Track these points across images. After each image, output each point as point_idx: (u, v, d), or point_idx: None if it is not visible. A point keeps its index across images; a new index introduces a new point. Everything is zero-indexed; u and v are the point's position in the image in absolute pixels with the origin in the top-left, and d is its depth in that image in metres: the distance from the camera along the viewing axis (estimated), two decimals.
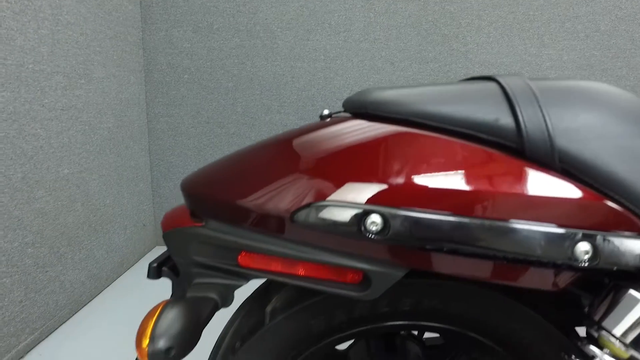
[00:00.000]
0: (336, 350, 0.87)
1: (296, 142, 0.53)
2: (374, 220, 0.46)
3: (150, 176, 2.45)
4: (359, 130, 0.52)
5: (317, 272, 0.53)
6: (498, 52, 2.25)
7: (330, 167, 0.49)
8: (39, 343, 1.55)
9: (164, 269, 0.61)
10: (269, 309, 0.62)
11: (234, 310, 0.70)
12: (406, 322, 0.60)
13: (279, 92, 2.33)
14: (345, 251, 0.50)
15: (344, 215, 0.47)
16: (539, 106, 0.47)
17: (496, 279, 0.48)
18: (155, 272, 0.60)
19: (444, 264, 0.48)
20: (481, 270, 0.47)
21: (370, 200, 0.46)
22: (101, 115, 1.91)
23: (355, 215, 0.46)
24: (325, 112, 0.60)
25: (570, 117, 0.47)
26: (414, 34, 2.25)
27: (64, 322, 1.70)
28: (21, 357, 1.46)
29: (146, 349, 0.42)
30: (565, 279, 0.48)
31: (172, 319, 0.45)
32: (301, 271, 0.53)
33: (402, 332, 0.87)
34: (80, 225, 1.79)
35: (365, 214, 0.46)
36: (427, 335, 0.89)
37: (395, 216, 0.45)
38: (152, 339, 0.43)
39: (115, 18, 2.02)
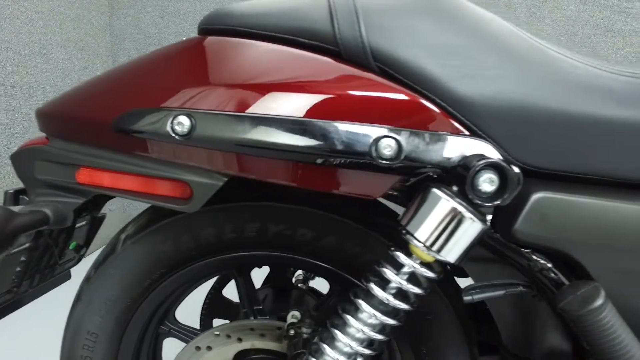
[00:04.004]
0: (231, 301, 0.86)
1: (130, 62, 0.54)
2: (181, 121, 0.45)
3: None
4: (184, 44, 0.52)
5: (146, 186, 0.52)
6: None
7: (146, 77, 0.50)
8: None
9: (22, 196, 0.60)
10: (122, 235, 0.62)
11: None
12: (256, 252, 0.59)
13: None
14: (168, 161, 0.50)
15: (155, 119, 0.47)
16: (355, 8, 0.47)
17: (314, 185, 0.47)
18: (11, 198, 0.60)
19: (257, 169, 0.47)
20: (297, 175, 0.47)
21: (179, 104, 0.47)
22: None
23: (164, 118, 0.46)
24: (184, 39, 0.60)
25: (384, 18, 0.46)
26: None
27: None
28: None
29: None
30: (384, 184, 0.47)
31: None
32: (130, 185, 0.52)
33: (300, 285, 0.86)
34: None
35: (174, 116, 0.46)
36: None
37: (200, 116, 0.45)
38: None
39: (77, 1, 2.03)
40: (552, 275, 0.48)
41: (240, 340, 0.59)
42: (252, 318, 0.65)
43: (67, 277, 0.72)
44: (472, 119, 0.45)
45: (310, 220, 0.57)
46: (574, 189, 0.46)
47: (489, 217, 0.49)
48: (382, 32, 0.46)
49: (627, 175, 0.47)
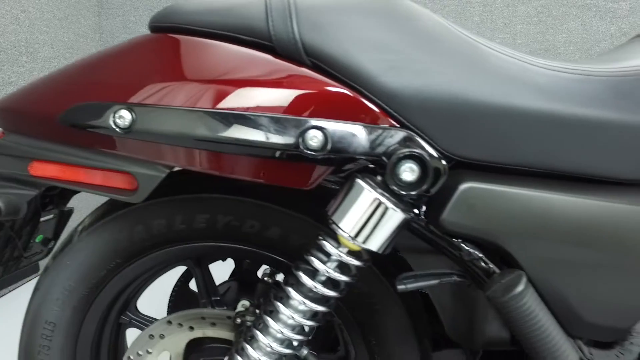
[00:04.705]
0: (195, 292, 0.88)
1: (80, 59, 0.56)
2: (122, 115, 0.47)
3: None
4: (132, 42, 0.54)
5: (94, 178, 0.54)
6: None
7: (94, 73, 0.52)
8: None
9: None
10: (79, 227, 0.64)
11: None
12: (208, 243, 0.61)
13: None
14: (115, 153, 0.51)
15: (98, 113, 0.48)
16: (288, 4, 0.48)
17: (245, 175, 0.48)
18: None
19: (193, 160, 0.48)
20: (227, 165, 0.48)
21: (121, 99, 0.48)
22: None
23: (107, 112, 0.48)
24: None
25: (317, 14, 0.48)
26: None
27: None
28: None
29: None
30: (316, 175, 0.48)
31: None
32: (80, 177, 0.54)
33: (266, 279, 0.88)
34: None
35: (116, 110, 0.47)
36: None
37: (139, 110, 0.47)
38: None
39: (66, 0, 2.05)
40: (483, 264, 0.49)
41: (192, 328, 0.61)
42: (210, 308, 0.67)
43: (35, 270, 0.74)
44: (400, 111, 0.46)
45: (257, 212, 0.58)
46: (502, 180, 0.47)
47: (423, 208, 0.51)
48: (314, 27, 0.47)
49: (554, 166, 0.48)
